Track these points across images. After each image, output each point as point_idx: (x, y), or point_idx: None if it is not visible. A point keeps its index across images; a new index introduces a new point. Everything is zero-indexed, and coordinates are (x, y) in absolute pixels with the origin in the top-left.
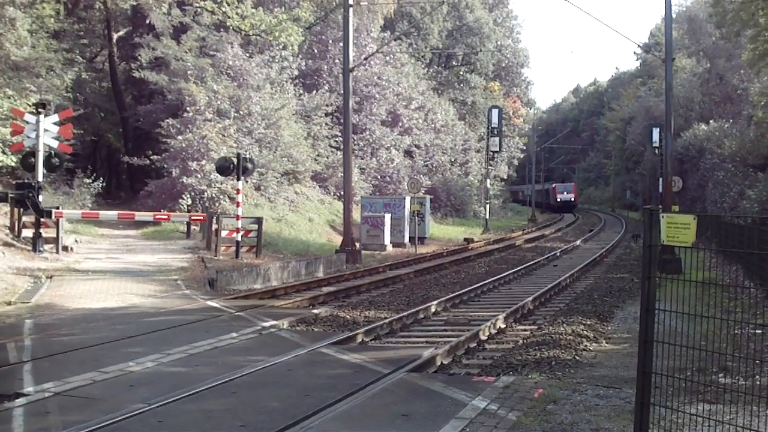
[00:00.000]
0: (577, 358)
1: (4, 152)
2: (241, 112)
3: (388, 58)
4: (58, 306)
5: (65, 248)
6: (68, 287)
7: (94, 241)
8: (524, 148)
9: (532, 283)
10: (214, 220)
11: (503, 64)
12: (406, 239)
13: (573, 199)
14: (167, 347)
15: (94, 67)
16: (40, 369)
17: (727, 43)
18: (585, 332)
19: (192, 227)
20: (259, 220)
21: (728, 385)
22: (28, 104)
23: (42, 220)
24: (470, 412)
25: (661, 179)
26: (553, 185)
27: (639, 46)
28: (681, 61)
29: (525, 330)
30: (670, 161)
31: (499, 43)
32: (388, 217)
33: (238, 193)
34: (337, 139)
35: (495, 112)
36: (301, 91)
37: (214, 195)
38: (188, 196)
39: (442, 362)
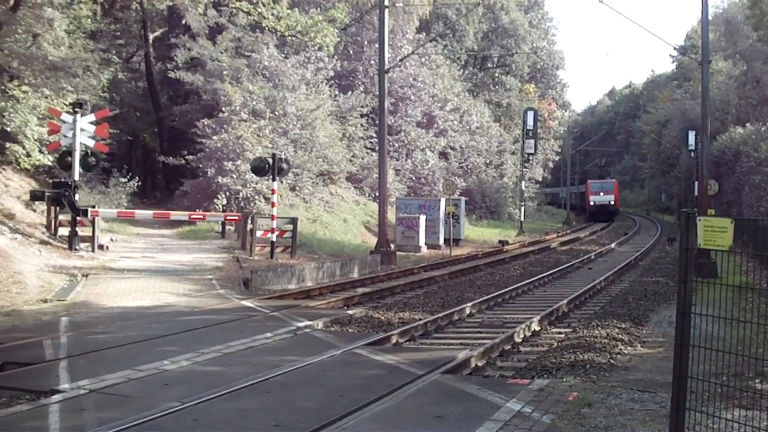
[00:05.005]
0: (612, 361)
1: (41, 151)
2: (277, 113)
3: (423, 59)
4: (93, 304)
5: (101, 247)
6: (104, 285)
7: (129, 239)
8: (559, 150)
9: (567, 286)
10: (249, 220)
11: (538, 66)
12: (441, 241)
13: (613, 203)
14: (202, 346)
15: (131, 67)
16: (75, 366)
17: (765, 46)
18: (620, 336)
19: (227, 227)
20: (294, 221)
21: (765, 390)
22: (64, 104)
23: (78, 218)
24: (505, 414)
25: (696, 182)
26: (587, 182)
27: (675, 48)
28: (717, 63)
29: (560, 333)
30: (706, 164)
31: (534, 44)
32: (422, 218)
33: (273, 193)
34: (372, 140)
35: (530, 114)
36: (337, 92)
37: (249, 195)
38: (223, 195)
39: (476, 364)
